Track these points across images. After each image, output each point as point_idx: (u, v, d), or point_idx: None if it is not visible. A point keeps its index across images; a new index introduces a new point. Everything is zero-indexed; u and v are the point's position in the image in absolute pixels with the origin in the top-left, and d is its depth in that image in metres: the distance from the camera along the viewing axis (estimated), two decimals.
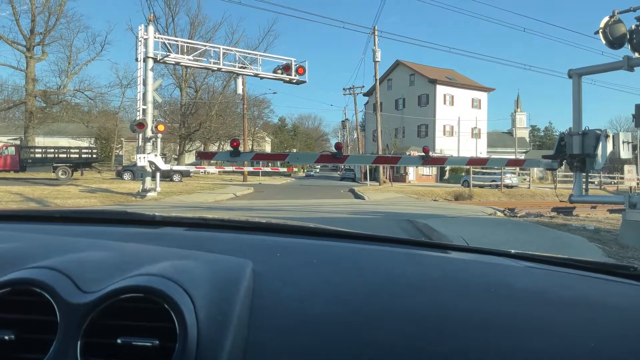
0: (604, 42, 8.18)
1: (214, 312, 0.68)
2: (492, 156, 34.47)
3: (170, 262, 0.80)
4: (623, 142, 8.66)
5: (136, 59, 17.60)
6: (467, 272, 1.03)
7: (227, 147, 8.19)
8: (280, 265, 0.94)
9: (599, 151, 8.24)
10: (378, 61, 34.43)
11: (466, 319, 0.78)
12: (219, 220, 1.40)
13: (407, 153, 31.78)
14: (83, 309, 0.66)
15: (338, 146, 7.93)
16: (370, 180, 38.69)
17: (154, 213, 1.33)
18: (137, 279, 0.70)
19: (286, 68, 18.71)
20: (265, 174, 44.82)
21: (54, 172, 29.95)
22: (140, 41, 17.24)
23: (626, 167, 17.08)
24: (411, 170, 47.47)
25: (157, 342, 0.64)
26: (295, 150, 57.44)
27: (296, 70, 18.68)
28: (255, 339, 0.69)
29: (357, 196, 23.56)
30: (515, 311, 0.82)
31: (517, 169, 36.65)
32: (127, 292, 0.67)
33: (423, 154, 7.86)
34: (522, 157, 41.87)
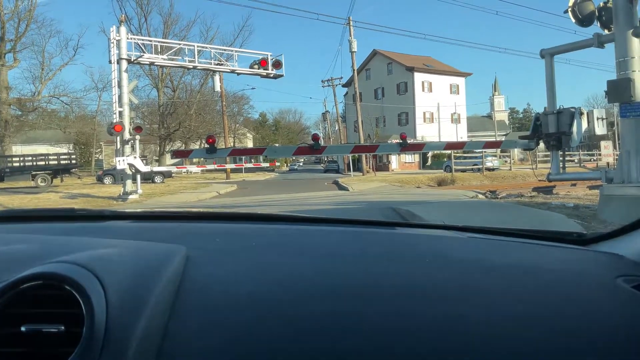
0: (573, 20, 8.27)
1: (129, 297, 0.68)
2: (473, 140, 34.73)
3: (90, 251, 0.80)
4: (597, 119, 8.79)
5: (110, 61, 17.33)
6: (407, 245, 1.05)
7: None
8: (216, 250, 0.95)
9: (574, 129, 8.36)
10: (355, 51, 34.38)
11: (398, 289, 0.79)
12: (165, 212, 1.41)
13: (389, 141, 31.87)
14: None
15: (315, 137, 7.92)
16: (353, 170, 38.71)
17: (101, 208, 1.34)
18: (45, 267, 0.70)
19: (263, 63, 18.54)
20: (248, 170, 44.61)
21: (33, 180, 29.48)
22: (113, 43, 16.97)
23: (602, 144, 17.39)
24: (394, 158, 47.62)
25: (63, 327, 0.64)
26: (277, 145, 57.24)
27: (273, 65, 18.54)
28: (177, 323, 0.69)
29: (341, 187, 23.57)
30: (449, 278, 0.84)
31: (498, 151, 36.98)
32: (33, 280, 0.67)
33: (401, 141, 7.90)
34: (503, 139, 42.24)
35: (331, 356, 0.65)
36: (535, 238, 1.12)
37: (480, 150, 31.55)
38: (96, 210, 1.34)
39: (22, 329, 0.64)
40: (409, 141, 8.23)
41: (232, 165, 24.07)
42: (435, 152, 45.17)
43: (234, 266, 0.87)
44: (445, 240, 1.10)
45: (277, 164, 47.30)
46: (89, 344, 0.60)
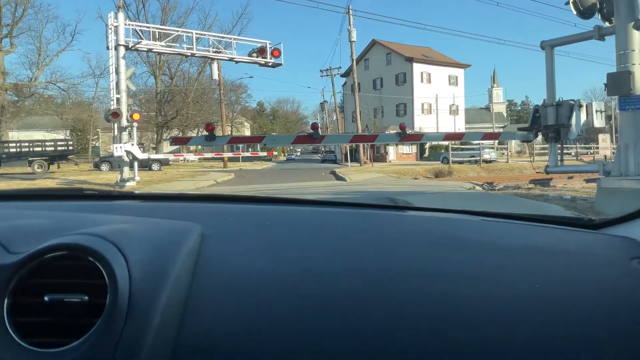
0: (574, 12, 8.23)
1: (150, 269, 0.68)
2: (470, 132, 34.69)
3: (109, 225, 0.80)
4: (596, 112, 8.79)
5: (107, 48, 17.23)
6: (420, 226, 1.05)
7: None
8: (230, 229, 0.95)
9: (573, 121, 8.36)
10: (354, 41, 34.26)
11: (412, 269, 0.79)
12: (173, 193, 1.41)
13: (387, 132, 31.82)
14: (8, 269, 0.66)
15: (314, 127, 7.90)
16: (351, 161, 38.67)
17: (109, 189, 1.35)
18: (67, 238, 0.70)
19: (261, 51, 18.46)
20: (245, 159, 44.56)
21: (29, 166, 29.39)
22: (111, 29, 16.86)
23: (600, 137, 17.42)
24: (391, 149, 47.62)
25: (87, 297, 0.64)
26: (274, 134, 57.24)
27: (271, 53, 18.44)
28: (197, 295, 0.69)
29: (339, 178, 23.57)
30: (465, 259, 0.84)
31: (495, 143, 36.98)
32: (55, 251, 0.67)
33: (400, 131, 7.89)
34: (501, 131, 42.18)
35: (346, 335, 0.66)
36: (547, 222, 1.12)
37: (478, 142, 31.57)
38: (104, 190, 1.34)
39: (45, 298, 0.65)
40: (407, 132, 8.20)
41: (230, 154, 24.07)
42: (433, 143, 45.17)
43: (249, 244, 0.88)
44: (459, 222, 1.10)
45: (275, 153, 47.19)
46: (113, 315, 0.61)
